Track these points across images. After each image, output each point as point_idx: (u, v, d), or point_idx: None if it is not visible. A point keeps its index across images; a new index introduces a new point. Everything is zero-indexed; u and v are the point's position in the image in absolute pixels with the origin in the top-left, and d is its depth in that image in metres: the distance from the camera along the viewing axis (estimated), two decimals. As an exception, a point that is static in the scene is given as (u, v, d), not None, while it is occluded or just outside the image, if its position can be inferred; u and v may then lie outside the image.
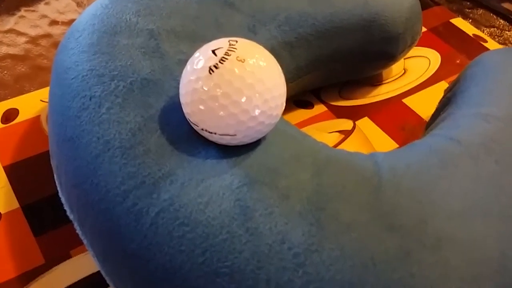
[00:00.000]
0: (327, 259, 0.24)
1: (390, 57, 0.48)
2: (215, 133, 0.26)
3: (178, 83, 0.31)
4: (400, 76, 0.54)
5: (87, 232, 0.29)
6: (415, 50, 0.57)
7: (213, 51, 0.26)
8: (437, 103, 0.43)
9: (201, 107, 0.26)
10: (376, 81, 0.53)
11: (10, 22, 0.52)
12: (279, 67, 0.27)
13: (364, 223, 0.25)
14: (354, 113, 0.49)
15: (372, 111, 0.49)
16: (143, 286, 0.25)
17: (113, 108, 0.29)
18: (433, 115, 0.41)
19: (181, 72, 0.32)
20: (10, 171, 0.40)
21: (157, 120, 0.29)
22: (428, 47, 0.58)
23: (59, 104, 0.31)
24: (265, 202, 0.26)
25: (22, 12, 0.53)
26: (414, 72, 0.55)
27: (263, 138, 0.29)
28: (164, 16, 0.36)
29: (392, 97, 0.51)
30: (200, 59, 0.26)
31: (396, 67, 0.55)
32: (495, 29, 0.63)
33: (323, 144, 0.31)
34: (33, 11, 0.53)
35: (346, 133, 0.46)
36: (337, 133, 0.46)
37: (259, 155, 0.28)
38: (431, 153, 0.30)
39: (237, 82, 0.25)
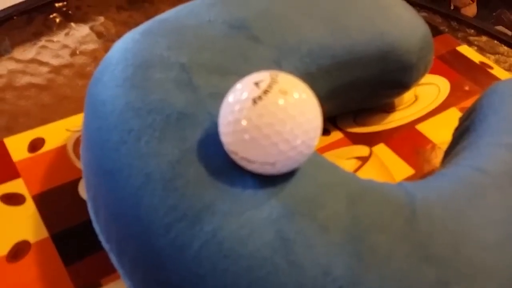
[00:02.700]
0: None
1: (405, 86, 0.50)
2: (255, 162, 0.27)
3: (212, 116, 0.32)
4: (412, 103, 0.56)
5: (126, 264, 0.29)
6: (425, 78, 0.59)
7: (256, 83, 0.27)
8: (451, 130, 0.44)
9: (244, 136, 0.27)
10: (389, 108, 0.54)
11: (32, 52, 0.53)
12: (316, 99, 0.29)
13: (402, 254, 0.26)
14: (369, 139, 0.50)
15: (387, 137, 0.51)
16: (188, 317, 0.26)
17: (151, 141, 0.30)
18: (451, 143, 0.42)
19: (213, 105, 0.33)
20: (39, 200, 0.40)
21: (194, 153, 0.30)
22: (436, 74, 0.60)
23: (96, 137, 0.32)
24: (305, 234, 0.26)
25: (43, 42, 0.54)
26: (425, 99, 0.56)
27: (297, 167, 0.30)
28: (194, 50, 0.37)
29: (405, 124, 0.53)
30: (243, 91, 0.27)
31: (407, 95, 0.56)
32: (500, 55, 0.65)
33: (353, 174, 0.32)
34: (54, 41, 0.55)
35: (363, 159, 0.48)
36: (355, 159, 0.47)
37: (295, 185, 0.29)
38: (460, 183, 0.31)
39: (280, 113, 0.26)
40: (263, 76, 0.28)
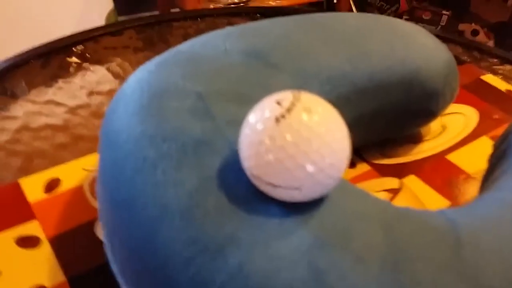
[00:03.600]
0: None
1: (431, 114, 0.47)
2: (279, 187, 0.25)
3: (231, 144, 0.30)
4: (440, 133, 0.53)
5: (141, 305, 0.27)
6: (451, 107, 0.57)
7: (278, 102, 0.25)
8: (484, 159, 0.42)
9: (267, 158, 0.25)
10: (416, 139, 0.52)
11: (49, 93, 0.53)
12: (343, 120, 0.27)
13: (448, 285, 0.23)
14: (398, 171, 0.47)
15: (417, 168, 0.48)
16: None
17: (168, 170, 0.28)
18: (487, 170, 0.39)
19: (232, 133, 0.31)
20: (55, 242, 0.38)
21: (213, 181, 0.28)
22: (462, 103, 0.58)
23: (110, 167, 0.30)
24: (340, 265, 0.24)
25: (60, 83, 0.54)
26: (453, 129, 0.54)
27: (326, 194, 0.27)
28: (210, 79, 0.36)
29: (435, 154, 0.50)
30: (265, 110, 0.26)
31: (434, 125, 0.54)
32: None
33: (388, 201, 0.29)
34: (71, 82, 0.54)
35: (394, 192, 0.45)
36: (385, 192, 0.45)
37: (324, 213, 0.27)
38: (504, 208, 0.28)
39: (305, 131, 0.24)
40: (285, 95, 0.26)
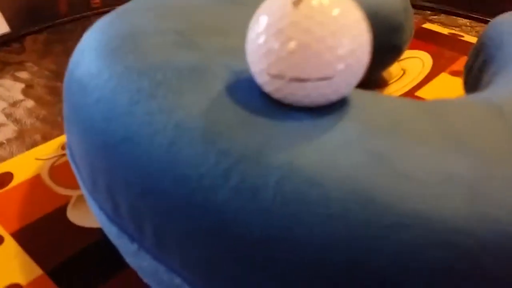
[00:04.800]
0: (499, 187, 0.19)
1: (398, 49, 0.47)
2: (307, 80, 0.22)
3: (229, 67, 0.27)
4: (402, 75, 0.53)
5: (173, 244, 0.22)
6: (406, 53, 0.57)
7: (290, -11, 0.23)
8: (450, 92, 0.42)
9: (291, 46, 0.22)
10: (382, 84, 0.51)
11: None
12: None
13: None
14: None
15: (392, 107, 0.47)
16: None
17: (169, 95, 0.24)
18: (468, 77, 0.40)
19: (227, 59, 0.28)
20: (21, 237, 0.32)
21: (225, 100, 0.24)
22: (414, 49, 0.58)
23: (95, 111, 0.25)
24: (397, 147, 0.21)
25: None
26: (413, 70, 0.54)
27: (351, 88, 0.25)
28: (184, 18, 0.32)
29: (405, 93, 0.50)
30: (275, 1, 0.23)
31: (395, 69, 0.54)
32: (463, 27, 0.65)
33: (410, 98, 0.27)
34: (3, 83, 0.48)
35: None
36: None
37: (358, 110, 0.24)
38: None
39: (331, 10, 0.22)
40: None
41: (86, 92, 0.27)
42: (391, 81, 0.52)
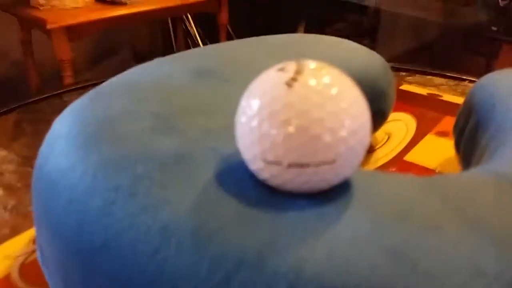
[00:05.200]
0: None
1: (383, 115, 0.46)
2: (308, 165, 0.20)
3: (215, 152, 0.25)
4: (387, 140, 0.52)
5: None
6: (389, 117, 0.56)
7: (280, 69, 0.21)
8: (438, 153, 0.41)
9: (288, 130, 0.19)
10: (369, 150, 0.50)
11: None
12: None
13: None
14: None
15: (384, 174, 0.45)
16: None
17: (151, 192, 0.21)
18: (458, 143, 0.39)
19: (212, 141, 0.26)
20: None
21: (216, 191, 0.22)
22: (396, 111, 0.58)
23: (66, 215, 0.22)
24: (418, 239, 0.19)
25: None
26: (397, 134, 0.53)
27: (353, 171, 0.23)
28: (163, 100, 0.30)
29: (393, 158, 0.48)
30: (267, 83, 0.21)
31: (379, 134, 0.53)
32: (439, 86, 0.65)
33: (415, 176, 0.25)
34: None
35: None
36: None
37: (362, 196, 0.22)
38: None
39: (328, 90, 0.20)
40: (283, 64, 0.22)
41: (57, 191, 0.24)
42: (377, 147, 0.51)
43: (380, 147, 0.51)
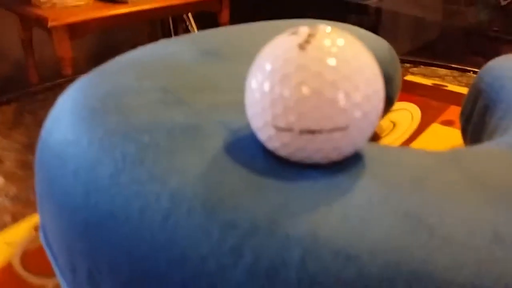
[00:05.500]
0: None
1: (389, 100, 0.45)
2: (321, 132, 0.19)
3: (223, 124, 0.24)
4: (393, 128, 0.51)
5: None
6: (394, 107, 0.56)
7: (293, 33, 0.20)
8: (444, 142, 0.41)
9: (302, 91, 0.19)
10: (375, 138, 0.49)
11: None
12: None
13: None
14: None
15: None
16: None
17: (160, 159, 0.21)
18: (466, 125, 0.38)
19: (218, 115, 0.25)
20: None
21: (226, 160, 0.21)
22: (401, 101, 0.57)
23: (71, 185, 0.22)
24: (430, 204, 0.18)
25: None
26: (403, 123, 0.52)
27: (366, 139, 0.22)
28: (169, 76, 0.30)
29: (400, 146, 0.48)
30: (280, 45, 0.20)
31: (385, 123, 0.52)
32: (444, 77, 0.65)
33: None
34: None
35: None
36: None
37: (374, 166, 0.21)
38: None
39: (342, 52, 0.19)
40: (296, 28, 0.21)
41: (62, 162, 0.23)
42: (382, 135, 0.50)
43: (386, 135, 0.50)
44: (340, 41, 0.20)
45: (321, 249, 0.16)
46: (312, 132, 0.19)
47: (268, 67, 0.20)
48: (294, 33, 0.20)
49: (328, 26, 0.21)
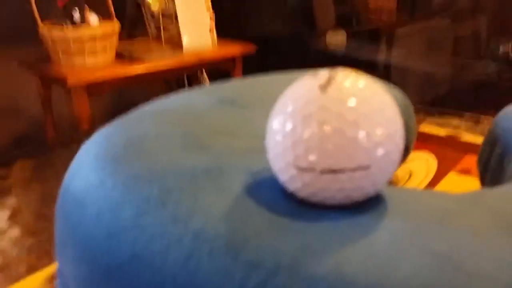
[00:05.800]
0: None
1: (405, 149, 0.46)
2: (343, 171, 0.19)
3: (245, 169, 0.24)
4: (409, 178, 0.51)
5: None
6: (410, 155, 0.56)
7: (313, 76, 0.21)
8: (460, 190, 0.40)
9: (324, 130, 0.19)
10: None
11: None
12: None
13: None
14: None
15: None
16: None
17: (182, 202, 0.21)
18: (484, 173, 0.38)
19: (238, 159, 0.25)
20: None
21: (248, 201, 0.21)
22: (416, 150, 0.57)
23: (94, 228, 0.22)
24: (458, 244, 0.18)
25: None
26: (419, 172, 0.52)
27: (388, 179, 0.22)
28: (189, 123, 0.30)
29: (417, 195, 0.47)
30: (301, 88, 0.21)
31: (401, 172, 0.52)
32: (456, 127, 0.65)
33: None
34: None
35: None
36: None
37: (400, 207, 0.21)
38: None
39: (363, 94, 0.20)
40: (315, 72, 0.22)
41: (84, 206, 0.23)
42: (399, 185, 0.50)
43: (404, 184, 0.50)
44: (360, 83, 0.20)
45: (347, 286, 0.16)
46: (333, 171, 0.20)
47: (289, 108, 0.20)
48: (315, 75, 0.21)
49: (346, 69, 0.21)
